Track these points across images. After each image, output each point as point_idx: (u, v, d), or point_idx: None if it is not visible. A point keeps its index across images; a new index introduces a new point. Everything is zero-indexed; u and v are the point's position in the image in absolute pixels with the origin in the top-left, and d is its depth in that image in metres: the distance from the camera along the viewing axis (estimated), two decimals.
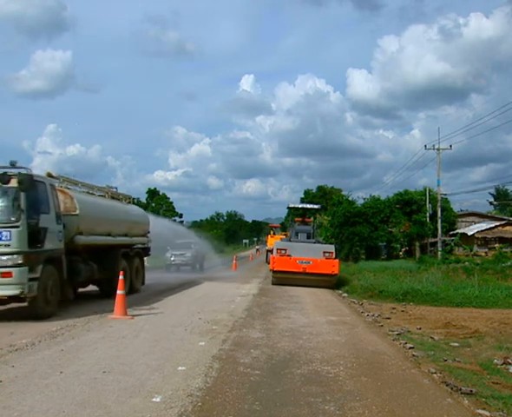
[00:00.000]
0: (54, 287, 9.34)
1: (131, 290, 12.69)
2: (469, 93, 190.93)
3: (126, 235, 13.36)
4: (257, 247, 69.87)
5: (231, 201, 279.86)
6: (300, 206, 24.20)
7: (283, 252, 17.02)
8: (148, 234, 15.51)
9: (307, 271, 16.47)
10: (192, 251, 25.16)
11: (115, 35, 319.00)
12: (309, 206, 24.33)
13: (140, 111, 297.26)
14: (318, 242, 19.25)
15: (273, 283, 17.34)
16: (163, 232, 20.75)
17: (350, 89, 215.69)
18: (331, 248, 17.64)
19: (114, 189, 14.46)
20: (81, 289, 12.70)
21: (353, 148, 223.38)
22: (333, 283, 16.85)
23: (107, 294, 12.08)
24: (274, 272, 17.13)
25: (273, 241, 26.88)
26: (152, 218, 17.22)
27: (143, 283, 14.67)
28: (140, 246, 14.94)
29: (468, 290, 13.76)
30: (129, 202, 15.13)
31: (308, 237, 19.44)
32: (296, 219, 24.03)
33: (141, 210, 16.33)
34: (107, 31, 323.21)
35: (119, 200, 14.30)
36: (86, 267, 10.95)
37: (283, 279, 16.98)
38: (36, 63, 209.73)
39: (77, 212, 10.48)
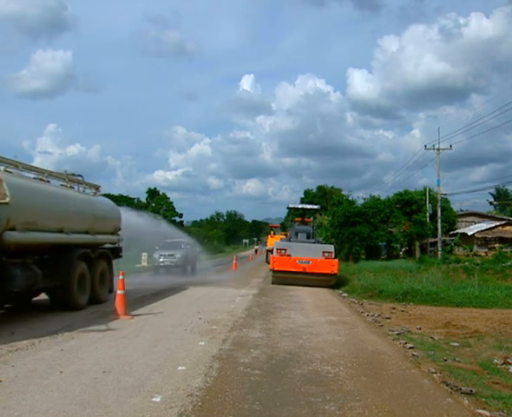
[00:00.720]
0: None
1: (93, 299, 10.79)
2: (469, 93, 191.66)
3: (87, 233, 11.03)
4: (256, 247, 67.60)
5: (231, 201, 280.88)
6: (300, 206, 24.22)
7: (283, 252, 17.12)
8: (119, 232, 13.12)
9: (307, 271, 16.58)
10: (182, 251, 22.76)
11: (116, 35, 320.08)
12: (308, 206, 24.35)
13: (140, 111, 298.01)
14: (318, 242, 19.30)
15: (273, 283, 17.44)
16: (141, 230, 18.57)
17: (350, 89, 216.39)
18: (331, 247, 17.73)
19: (80, 177, 12.03)
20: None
21: (353, 148, 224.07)
22: (333, 283, 16.93)
23: (60, 304, 10.01)
24: (274, 271, 17.23)
25: (273, 241, 26.92)
26: (125, 213, 14.54)
27: (111, 291, 11.88)
28: (108, 246, 12.55)
29: (468, 290, 13.77)
30: (95, 193, 12.56)
31: (308, 237, 19.52)
32: (296, 219, 24.13)
33: (110, 203, 13.44)
34: (107, 31, 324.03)
35: (83, 190, 12.02)
36: (24, 272, 8.45)
37: (283, 278, 17.08)
38: (37, 63, 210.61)
39: (7, 200, 7.95)
